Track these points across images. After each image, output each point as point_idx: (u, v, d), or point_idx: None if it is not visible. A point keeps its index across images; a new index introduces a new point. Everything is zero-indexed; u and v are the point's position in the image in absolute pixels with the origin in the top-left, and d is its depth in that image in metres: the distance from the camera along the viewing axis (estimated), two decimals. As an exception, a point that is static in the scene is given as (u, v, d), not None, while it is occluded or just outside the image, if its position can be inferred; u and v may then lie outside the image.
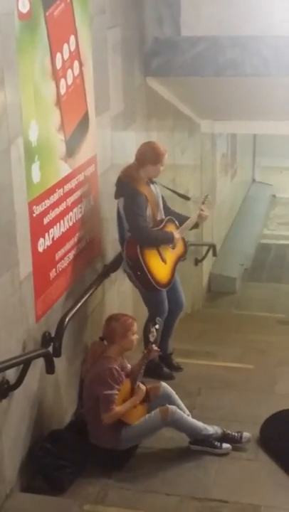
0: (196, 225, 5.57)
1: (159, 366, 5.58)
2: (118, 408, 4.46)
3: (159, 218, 5.32)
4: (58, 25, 4.36)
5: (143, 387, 4.57)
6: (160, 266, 5.26)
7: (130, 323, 4.62)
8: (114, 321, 4.64)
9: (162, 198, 5.46)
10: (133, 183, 5.16)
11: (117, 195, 5.22)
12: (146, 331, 4.73)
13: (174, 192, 5.85)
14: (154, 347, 4.68)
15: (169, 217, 5.38)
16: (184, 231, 5.45)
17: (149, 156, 5.20)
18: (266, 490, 4.37)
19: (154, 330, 4.69)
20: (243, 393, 5.51)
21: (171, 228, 5.35)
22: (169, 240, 5.27)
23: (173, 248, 5.37)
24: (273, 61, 6.13)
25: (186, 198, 6.00)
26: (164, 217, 5.36)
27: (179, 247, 5.44)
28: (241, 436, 4.74)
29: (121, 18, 5.67)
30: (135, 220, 5.10)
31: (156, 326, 4.73)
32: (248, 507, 4.17)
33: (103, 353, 4.61)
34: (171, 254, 5.36)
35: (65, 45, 4.52)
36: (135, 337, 4.64)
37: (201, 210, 5.51)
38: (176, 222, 5.40)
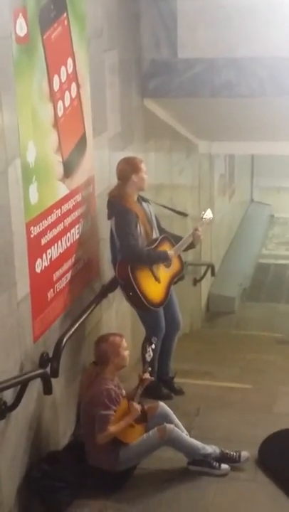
0: (191, 245, 5.52)
1: (158, 386, 5.56)
2: (113, 428, 4.43)
3: (153, 237, 5.32)
4: (55, 48, 4.41)
5: (137, 406, 4.54)
6: (153, 285, 5.23)
7: (119, 340, 4.63)
8: (103, 342, 4.64)
9: (156, 218, 5.46)
10: (122, 202, 5.17)
11: (109, 216, 5.23)
12: (143, 351, 4.73)
13: (171, 209, 5.85)
14: (149, 369, 4.67)
15: (163, 235, 5.37)
16: (180, 249, 5.41)
17: (127, 169, 5.23)
18: (265, 511, 4.35)
19: (151, 350, 4.69)
20: (241, 413, 5.49)
21: (166, 247, 5.33)
22: (163, 258, 5.22)
23: (168, 267, 5.34)
24: (269, 82, 6.19)
25: (184, 214, 5.99)
26: (158, 235, 5.35)
27: (175, 266, 5.39)
28: (240, 456, 4.73)
29: (118, 41, 5.72)
30: (125, 238, 5.10)
31: (153, 346, 4.73)
32: (247, 528, 4.16)
33: (98, 374, 4.60)
34: (165, 273, 5.32)
35: (63, 68, 4.57)
36: (127, 352, 4.65)
37: (196, 229, 5.45)
38: (172, 241, 5.39)
